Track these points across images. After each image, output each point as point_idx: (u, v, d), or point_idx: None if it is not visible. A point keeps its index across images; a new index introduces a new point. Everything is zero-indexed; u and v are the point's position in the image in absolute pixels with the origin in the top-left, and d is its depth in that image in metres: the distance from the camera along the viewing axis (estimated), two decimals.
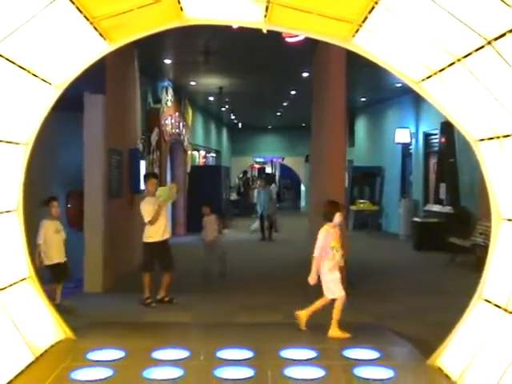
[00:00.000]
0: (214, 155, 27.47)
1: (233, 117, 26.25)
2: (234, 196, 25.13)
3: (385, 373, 5.13)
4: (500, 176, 4.99)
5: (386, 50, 5.19)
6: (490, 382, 4.43)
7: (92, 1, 4.76)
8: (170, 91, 16.13)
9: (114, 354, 5.54)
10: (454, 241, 12.43)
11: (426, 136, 16.69)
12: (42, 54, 5.19)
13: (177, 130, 16.93)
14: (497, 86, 4.22)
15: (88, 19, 5.04)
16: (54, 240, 7.92)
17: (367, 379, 5.00)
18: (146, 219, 8.17)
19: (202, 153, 24.58)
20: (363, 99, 19.94)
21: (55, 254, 7.91)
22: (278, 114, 24.52)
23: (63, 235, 8.11)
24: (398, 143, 17.95)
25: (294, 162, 31.50)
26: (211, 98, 19.83)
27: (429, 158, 16.81)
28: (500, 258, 5.15)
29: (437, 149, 15.77)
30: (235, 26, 6.26)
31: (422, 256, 13.55)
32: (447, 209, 14.37)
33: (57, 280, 7.86)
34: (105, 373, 5.04)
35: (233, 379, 4.97)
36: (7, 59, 4.69)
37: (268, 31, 5.78)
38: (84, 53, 5.79)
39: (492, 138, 4.87)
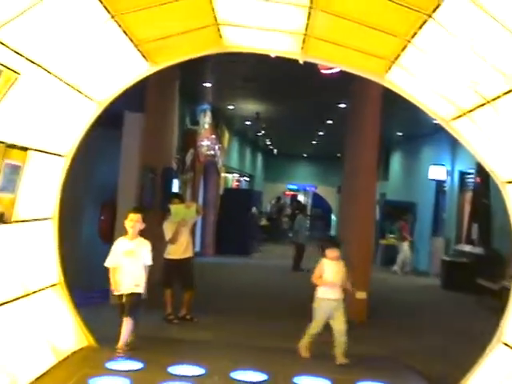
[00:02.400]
0: (248, 179, 27.70)
1: (268, 142, 26.49)
2: (264, 221, 25.26)
3: None
4: None
5: (417, 88, 5.30)
6: None
7: (137, 25, 4.99)
8: (208, 114, 16.44)
9: (132, 365, 5.67)
10: (483, 283, 12.30)
11: (462, 174, 16.60)
12: (87, 72, 5.45)
13: (212, 152, 17.19)
14: None
15: (133, 41, 5.29)
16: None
17: None
18: (167, 237, 8.39)
19: (236, 176, 24.83)
20: (399, 134, 19.97)
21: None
22: (314, 142, 24.66)
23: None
24: (433, 180, 17.89)
25: (327, 191, 31.56)
26: (248, 123, 20.10)
27: (463, 196, 16.69)
28: None
29: (471, 188, 15.69)
30: (273, 55, 6.42)
31: (449, 295, 13.42)
32: (478, 250, 14.23)
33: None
34: (121, 382, 5.18)
35: None
36: (55, 75, 4.93)
37: (304, 62, 5.96)
38: (126, 73, 6.04)
39: None
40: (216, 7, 4.87)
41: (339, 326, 6.52)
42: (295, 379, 5.67)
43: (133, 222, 6.19)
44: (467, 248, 14.98)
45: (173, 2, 4.67)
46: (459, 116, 5.12)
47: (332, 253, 6.71)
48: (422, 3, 3.79)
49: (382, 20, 4.35)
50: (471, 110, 4.81)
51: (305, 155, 31.11)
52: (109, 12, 4.53)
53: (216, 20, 5.20)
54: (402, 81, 5.40)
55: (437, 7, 3.70)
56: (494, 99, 4.33)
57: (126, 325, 6.05)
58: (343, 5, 4.34)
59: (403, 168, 22.49)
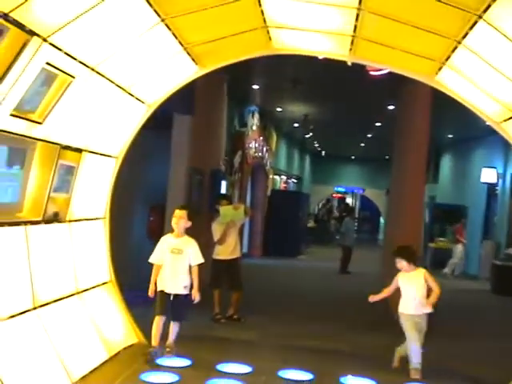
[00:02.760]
0: (296, 181, 27.71)
1: (316, 144, 26.43)
2: (311, 223, 25.21)
3: None
4: None
5: (468, 89, 5.24)
6: None
7: (187, 28, 5.09)
8: (256, 116, 16.52)
9: (181, 362, 5.79)
10: None
11: None
12: (138, 75, 5.59)
13: (260, 154, 17.28)
14: None
15: (182, 44, 5.40)
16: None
17: None
18: (215, 238, 8.48)
19: (284, 178, 24.88)
20: (450, 136, 19.66)
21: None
22: (362, 144, 24.49)
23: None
24: (484, 183, 17.53)
25: (375, 194, 31.27)
26: (296, 125, 20.10)
27: None
28: None
29: None
30: (321, 56, 6.44)
31: (500, 300, 13.13)
32: None
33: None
34: (171, 378, 5.32)
35: None
36: (107, 78, 5.08)
37: (353, 63, 5.96)
38: (176, 75, 6.16)
39: None
40: (265, 10, 4.93)
41: None
42: (341, 379, 5.68)
43: (177, 218, 6.03)
44: None
45: (222, 6, 4.74)
46: (510, 117, 5.05)
47: (399, 262, 6.26)
48: (472, 3, 3.77)
49: (431, 21, 4.33)
50: None
51: (353, 157, 30.91)
52: (159, 15, 4.64)
53: (265, 22, 5.26)
54: (452, 82, 5.35)
55: (488, 7, 3.67)
56: None
57: (174, 327, 5.97)
58: (392, 6, 4.34)
59: (454, 171, 22.11)
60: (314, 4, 4.66)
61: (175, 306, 5.92)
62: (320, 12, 4.82)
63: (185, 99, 9.00)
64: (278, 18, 5.10)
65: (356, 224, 33.03)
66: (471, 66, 4.74)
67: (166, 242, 6.13)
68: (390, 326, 8.39)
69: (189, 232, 9.88)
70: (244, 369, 5.76)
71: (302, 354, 6.65)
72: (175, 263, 5.98)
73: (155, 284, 6.04)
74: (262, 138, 17.39)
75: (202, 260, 6.07)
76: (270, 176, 19.84)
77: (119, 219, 8.64)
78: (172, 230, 6.18)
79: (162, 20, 4.71)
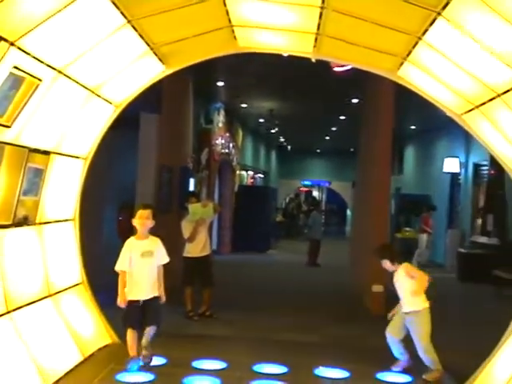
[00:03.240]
0: (262, 176, 27.83)
1: (282, 139, 26.58)
2: (279, 218, 25.37)
3: None
4: None
5: (429, 83, 5.39)
6: None
7: (153, 28, 5.12)
8: (222, 112, 16.57)
9: (157, 360, 5.80)
10: (500, 274, 12.33)
11: (476, 166, 16.60)
12: (105, 76, 5.59)
13: (226, 150, 17.33)
14: None
15: (149, 45, 5.43)
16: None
17: None
18: (185, 236, 8.56)
19: (251, 173, 24.97)
20: (413, 127, 19.98)
21: None
22: (327, 138, 24.72)
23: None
24: (447, 172, 17.89)
25: (341, 186, 31.57)
26: (261, 120, 20.20)
27: (478, 188, 16.69)
28: None
29: (486, 180, 15.70)
30: (285, 54, 6.53)
31: (466, 287, 13.45)
32: (494, 241, 14.26)
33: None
34: (147, 377, 5.34)
35: None
36: (74, 80, 5.09)
37: (317, 60, 6.07)
38: (143, 75, 6.18)
39: None
40: (230, 10, 4.99)
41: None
42: (316, 371, 5.79)
43: (142, 218, 5.61)
44: (483, 239, 15.00)
45: (188, 6, 4.79)
46: (470, 109, 5.21)
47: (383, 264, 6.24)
48: (431, 1, 3.89)
49: (393, 18, 4.45)
50: (482, 104, 4.90)
51: (318, 151, 31.17)
52: (125, 17, 4.66)
53: (230, 22, 5.31)
54: (414, 76, 5.49)
55: (446, 4, 3.79)
56: (503, 92, 4.42)
57: (150, 331, 5.52)
58: (354, 4, 4.44)
59: (417, 161, 22.49)
60: (278, 3, 4.74)
61: (150, 310, 5.53)
62: (284, 11, 4.90)
63: (151, 98, 9.00)
64: (243, 17, 5.17)
65: (323, 217, 33.37)
66: (432, 60, 4.88)
67: (132, 246, 5.61)
68: (362, 317, 8.61)
69: (158, 231, 9.89)
70: (219, 365, 5.82)
71: (275, 348, 6.73)
72: (147, 267, 5.53)
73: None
74: (228, 134, 17.45)
75: (168, 259, 5.75)
76: (237, 172, 19.91)
77: (89, 220, 8.61)
78: (135, 232, 5.75)
79: (129, 21, 4.73)
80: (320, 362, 6.03)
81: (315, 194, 39.14)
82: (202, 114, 15.12)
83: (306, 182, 35.61)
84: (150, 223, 5.71)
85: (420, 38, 4.54)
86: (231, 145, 17.94)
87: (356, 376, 5.75)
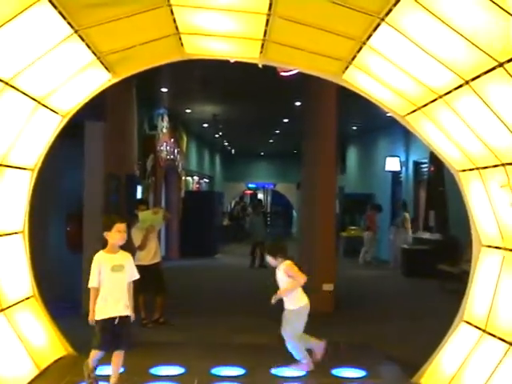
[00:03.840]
0: (208, 181, 27.84)
1: (226, 143, 26.66)
2: (226, 221, 25.43)
3: None
4: (479, 205, 5.35)
5: (373, 86, 5.56)
6: None
7: (100, 37, 5.11)
8: (166, 118, 16.53)
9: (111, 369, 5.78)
10: (443, 268, 12.73)
11: (416, 165, 17.11)
12: (52, 86, 5.54)
13: (171, 156, 17.29)
14: (475, 121, 4.58)
15: (96, 54, 5.41)
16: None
17: None
18: (136, 244, 8.50)
19: (196, 178, 24.94)
20: (355, 127, 20.39)
21: None
22: (271, 141, 24.94)
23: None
24: (389, 171, 18.36)
25: (286, 188, 31.93)
26: (205, 125, 20.23)
27: (419, 186, 17.20)
28: (480, 283, 5.49)
29: (426, 177, 16.18)
30: (232, 60, 6.61)
31: (412, 282, 13.83)
32: (436, 236, 14.72)
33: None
34: None
35: None
36: (21, 92, 5.03)
37: (263, 65, 6.17)
38: (89, 84, 6.14)
39: (472, 169, 5.23)
40: (177, 18, 5.03)
41: None
42: (272, 371, 5.89)
43: (121, 232, 5.37)
44: (426, 235, 15.47)
45: (134, 15, 4.80)
46: (413, 111, 5.41)
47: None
48: (374, 8, 4.04)
49: (337, 24, 4.58)
50: (425, 105, 5.10)
51: (262, 154, 31.40)
52: (72, 27, 4.64)
53: (177, 29, 5.35)
54: (359, 80, 5.66)
55: (389, 11, 3.95)
56: (445, 94, 4.62)
57: (119, 358, 5.25)
58: (300, 11, 4.55)
59: (360, 161, 22.97)
60: (225, 11, 4.82)
61: (121, 331, 5.17)
62: (231, 18, 4.98)
63: (96, 106, 8.91)
64: (190, 25, 5.21)
65: (268, 219, 33.58)
66: (376, 64, 5.05)
67: (102, 260, 5.30)
68: (311, 315, 8.74)
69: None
70: (177, 370, 5.85)
71: (231, 351, 6.81)
72: (118, 282, 5.23)
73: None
74: (172, 140, 17.41)
75: (138, 276, 5.51)
76: (183, 177, 19.86)
77: (37, 231, 8.46)
78: (104, 245, 5.52)
79: (76, 31, 4.71)
80: (276, 361, 6.13)
81: (260, 196, 39.38)
82: (145, 120, 15.04)
83: (251, 185, 35.81)
84: (126, 237, 5.48)
85: (364, 43, 4.70)
86: (176, 150, 17.90)
87: (313, 373, 5.87)
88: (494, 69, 3.71)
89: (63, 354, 6.30)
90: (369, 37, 4.52)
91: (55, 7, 4.22)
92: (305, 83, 10.86)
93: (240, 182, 33.02)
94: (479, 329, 5.18)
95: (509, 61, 3.57)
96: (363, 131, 20.79)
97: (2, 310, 5.58)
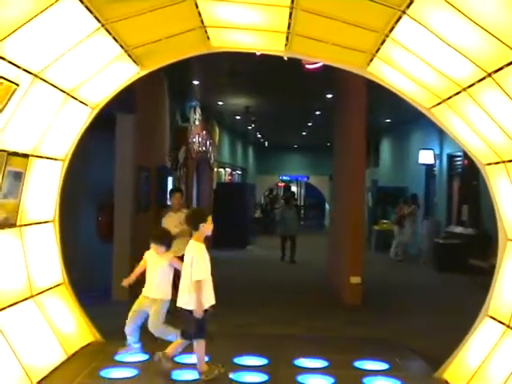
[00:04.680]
0: (240, 173, 27.95)
1: (259, 136, 26.71)
2: (258, 213, 25.51)
3: (392, 383, 5.43)
4: (506, 198, 5.29)
5: (398, 78, 5.54)
6: None
7: (127, 31, 5.20)
8: (198, 110, 16.65)
9: (140, 356, 5.93)
10: (474, 262, 12.58)
11: (450, 158, 16.86)
12: (81, 78, 5.66)
13: (204, 148, 17.41)
14: (499, 114, 4.54)
15: (123, 47, 5.51)
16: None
17: None
18: (173, 232, 7.81)
19: (228, 170, 25.08)
20: (388, 120, 20.22)
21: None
22: (304, 133, 24.90)
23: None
24: (422, 164, 18.14)
25: (319, 180, 31.84)
26: (238, 117, 20.30)
27: (452, 179, 16.96)
28: (505, 277, 5.43)
29: (460, 171, 15.97)
30: (258, 53, 6.64)
31: (443, 277, 13.70)
32: (469, 230, 14.52)
33: None
34: (130, 373, 5.47)
35: (247, 382, 5.38)
36: (51, 84, 5.16)
37: (289, 58, 6.19)
38: (118, 77, 6.25)
39: (498, 163, 5.18)
40: (202, 11, 5.09)
41: None
42: (295, 361, 5.94)
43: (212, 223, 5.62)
44: (458, 229, 15.27)
45: (160, 9, 4.88)
46: (438, 103, 5.38)
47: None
48: (395, 0, 4.03)
49: (360, 17, 4.58)
50: (449, 98, 5.07)
51: (296, 146, 31.37)
52: (99, 21, 4.74)
53: (203, 23, 5.41)
54: (384, 72, 5.64)
55: (410, 3, 3.94)
56: (468, 86, 4.58)
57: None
58: (322, 4, 4.57)
59: (393, 154, 22.77)
60: (248, 4, 4.86)
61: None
62: (255, 12, 5.01)
63: (126, 99, 9.05)
64: (215, 18, 5.26)
65: (302, 212, 33.53)
66: (400, 56, 5.03)
67: (205, 251, 5.47)
68: (340, 308, 8.81)
69: (138, 228, 9.91)
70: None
71: (255, 341, 6.88)
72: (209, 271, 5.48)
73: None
74: (205, 132, 17.53)
75: None
76: (215, 169, 20.00)
77: (68, 221, 8.66)
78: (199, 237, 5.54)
79: (103, 25, 4.81)
80: (300, 353, 6.18)
81: (294, 188, 39.37)
82: (177, 112, 15.18)
83: (284, 178, 35.81)
84: None
85: (387, 36, 4.68)
86: (208, 142, 18.02)
87: (335, 365, 5.91)
88: None
89: (91, 341, 6.46)
90: (391, 29, 4.51)
91: (82, 2, 4.31)
92: (335, 76, 10.86)
93: (273, 174, 33.05)
94: (503, 324, 5.14)
95: None
96: (397, 124, 20.59)
97: (32, 296, 5.75)
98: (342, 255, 10.68)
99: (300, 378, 5.45)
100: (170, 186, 12.07)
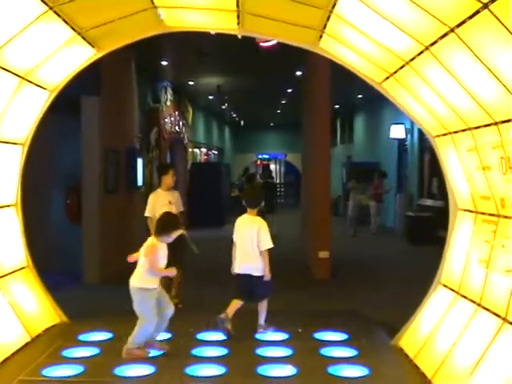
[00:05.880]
0: (216, 152, 27.94)
1: (234, 115, 26.69)
2: (235, 192, 25.55)
3: (348, 352, 5.59)
4: (454, 169, 5.43)
5: (348, 54, 5.62)
6: (440, 358, 4.86)
7: (77, 13, 5.21)
8: (169, 91, 16.60)
9: (103, 336, 6.03)
10: (444, 234, 12.77)
11: (421, 132, 16.99)
12: (34, 62, 5.66)
13: (176, 129, 17.40)
14: (443, 87, 4.64)
15: (75, 30, 5.51)
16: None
17: (331, 357, 5.45)
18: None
19: (204, 150, 25.05)
20: (360, 96, 20.29)
21: None
22: (278, 111, 24.94)
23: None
24: (394, 139, 18.30)
25: (296, 158, 31.88)
26: (211, 97, 20.27)
27: (424, 153, 17.14)
28: (456, 246, 5.60)
29: (430, 144, 16.12)
30: (213, 32, 6.67)
31: (414, 249, 13.92)
32: (439, 203, 14.73)
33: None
34: (92, 352, 5.56)
35: (211, 356, 5.49)
36: (2, 68, 5.16)
37: (243, 36, 6.24)
38: (74, 59, 6.26)
39: (445, 134, 5.30)
40: None
41: None
42: (257, 335, 6.09)
43: None
44: (429, 202, 15.50)
45: None
46: (387, 78, 5.47)
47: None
48: None
49: None
50: (395, 72, 5.17)
51: (272, 124, 31.40)
52: (46, 4, 4.75)
53: (153, 3, 5.44)
54: (334, 48, 5.72)
55: None
56: (410, 60, 4.68)
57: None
58: None
59: (366, 130, 22.92)
60: None
61: None
62: None
63: (91, 81, 9.06)
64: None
65: (281, 189, 33.62)
66: (346, 32, 5.10)
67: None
68: (309, 282, 8.93)
69: (109, 210, 9.94)
70: (163, 336, 6.04)
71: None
72: None
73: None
74: (177, 112, 17.51)
75: None
76: (189, 149, 20.00)
77: (35, 204, 8.72)
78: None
79: (51, 8, 4.82)
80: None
81: (272, 167, 39.39)
82: (148, 93, 15.14)
83: (264, 156, 35.85)
84: None
85: (331, 12, 4.75)
86: (181, 123, 18.01)
87: (295, 337, 6.06)
88: (446, 34, 3.78)
89: (56, 322, 6.54)
90: (334, 5, 4.58)
91: None
92: (303, 52, 10.89)
93: (250, 152, 33.10)
94: (453, 291, 5.30)
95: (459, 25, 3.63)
96: (369, 99, 20.65)
97: None
98: (310, 230, 10.84)
99: (259, 351, 5.59)
100: (139, 168, 12.08)
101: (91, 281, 9.50)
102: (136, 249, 5.67)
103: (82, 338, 6.01)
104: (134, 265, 5.56)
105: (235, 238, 6.37)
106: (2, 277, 5.96)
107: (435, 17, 3.73)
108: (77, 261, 9.49)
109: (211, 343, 5.87)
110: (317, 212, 10.21)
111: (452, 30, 3.67)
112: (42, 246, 8.19)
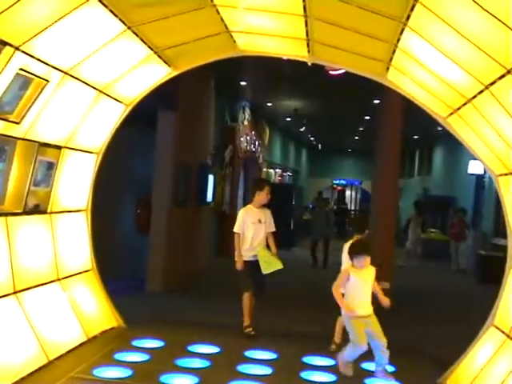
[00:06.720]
0: (291, 174, 28.08)
1: (312, 138, 26.79)
2: (306, 216, 25.57)
3: None
4: None
5: (413, 87, 5.65)
6: None
7: (154, 33, 5.51)
8: (247, 111, 16.93)
9: (155, 343, 6.26)
10: None
11: None
12: (112, 77, 6.01)
13: (252, 148, 17.68)
14: (499, 126, 4.61)
15: (152, 49, 5.82)
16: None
17: None
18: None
19: (279, 171, 25.25)
20: (439, 129, 19.92)
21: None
22: (356, 138, 24.87)
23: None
24: (472, 174, 17.88)
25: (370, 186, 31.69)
26: (288, 119, 20.48)
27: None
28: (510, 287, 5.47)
29: None
30: (285, 57, 6.85)
31: (480, 288, 13.50)
32: None
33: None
34: (142, 357, 5.78)
35: (255, 375, 5.60)
36: (82, 81, 5.52)
37: (313, 64, 6.38)
38: (150, 76, 6.59)
39: (507, 174, 5.23)
40: (224, 16, 5.34)
41: None
42: (303, 359, 6.15)
43: None
44: (503, 242, 14.96)
45: (183, 14, 5.16)
46: (451, 113, 5.46)
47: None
48: (396, 12, 4.17)
49: (368, 27, 4.74)
50: (458, 108, 5.16)
51: (349, 150, 31.29)
52: (125, 24, 5.06)
53: (227, 28, 5.67)
54: (400, 80, 5.76)
55: (408, 17, 4.08)
56: (472, 98, 4.67)
57: None
58: (333, 13, 4.74)
59: (445, 163, 22.49)
60: (265, 12, 5.07)
61: None
62: (272, 18, 5.23)
63: (168, 96, 9.41)
64: (237, 23, 5.50)
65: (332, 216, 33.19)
66: (411, 66, 5.16)
67: None
68: None
69: (176, 223, 10.20)
70: (212, 349, 6.21)
71: (269, 336, 7.05)
72: None
73: None
74: (253, 132, 17.79)
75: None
76: (264, 169, 20.23)
77: (107, 211, 9.11)
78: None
79: (129, 28, 5.13)
80: (308, 351, 6.34)
81: (348, 193, 39.13)
82: (226, 111, 15.50)
83: (341, 181, 35.70)
84: None
85: (396, 46, 4.82)
86: (257, 142, 18.28)
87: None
88: (504, 76, 3.78)
89: (113, 326, 6.81)
90: (398, 40, 4.64)
91: (105, 6, 4.63)
92: (379, 83, 10.91)
93: (326, 177, 33.06)
94: (504, 333, 5.18)
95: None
96: (449, 133, 20.19)
97: (59, 279, 6.15)
98: (372, 260, 10.73)
99: (304, 375, 5.64)
100: (210, 184, 12.36)
101: (153, 289, 9.77)
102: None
103: (135, 343, 6.25)
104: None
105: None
106: (68, 277, 6.30)
107: (494, 58, 3.75)
108: (141, 269, 9.81)
109: (258, 361, 5.97)
110: (380, 242, 10.11)
111: (509, 72, 3.67)
112: (109, 252, 8.51)
